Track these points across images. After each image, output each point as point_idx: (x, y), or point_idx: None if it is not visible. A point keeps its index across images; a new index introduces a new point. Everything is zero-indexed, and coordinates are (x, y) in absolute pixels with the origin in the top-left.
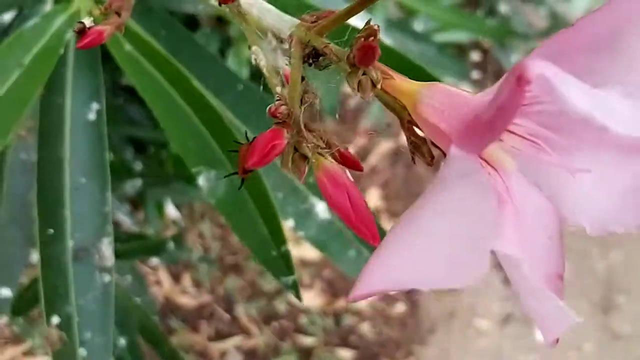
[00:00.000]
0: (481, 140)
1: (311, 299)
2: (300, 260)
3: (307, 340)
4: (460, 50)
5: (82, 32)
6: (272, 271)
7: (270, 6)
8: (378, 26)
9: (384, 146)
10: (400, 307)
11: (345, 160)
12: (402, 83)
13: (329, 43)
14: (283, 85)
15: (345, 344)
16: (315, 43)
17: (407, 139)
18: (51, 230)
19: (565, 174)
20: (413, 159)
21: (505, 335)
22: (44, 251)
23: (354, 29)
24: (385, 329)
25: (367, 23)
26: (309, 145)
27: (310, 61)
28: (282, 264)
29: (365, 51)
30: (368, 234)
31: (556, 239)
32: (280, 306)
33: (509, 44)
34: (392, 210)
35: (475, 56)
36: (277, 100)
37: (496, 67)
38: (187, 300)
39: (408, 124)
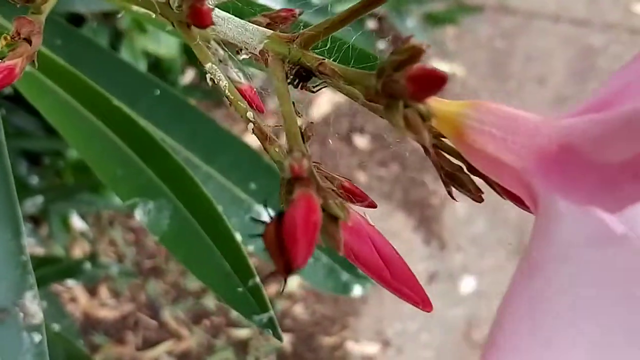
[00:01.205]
0: (621, 196)
1: None
2: None
3: (241, 333)
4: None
5: None
6: (240, 310)
7: (226, 14)
8: (427, 45)
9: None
10: None
11: (354, 197)
12: (436, 103)
13: (323, 59)
14: (253, 108)
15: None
16: (304, 60)
17: (438, 168)
18: None
19: None
20: (449, 192)
21: (432, 294)
22: None
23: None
24: (318, 307)
25: (407, 39)
26: (336, 201)
27: (296, 82)
28: (253, 301)
29: (425, 82)
30: (412, 296)
31: None
32: (209, 303)
33: (404, 9)
34: None
35: (371, 24)
36: (289, 151)
37: (393, 34)
38: (108, 312)
39: (435, 148)
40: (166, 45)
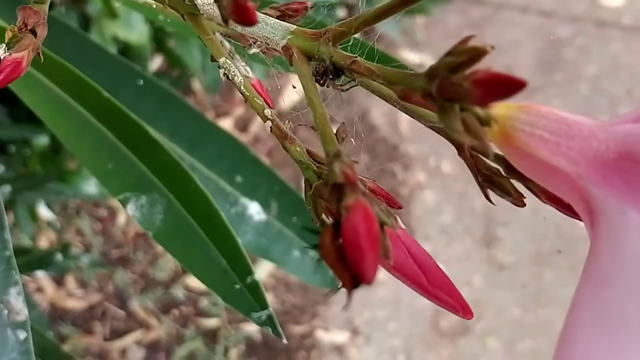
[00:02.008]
0: None
1: None
2: None
3: (210, 322)
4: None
5: None
6: (238, 307)
7: None
8: (492, 47)
9: (300, 135)
10: None
11: (381, 199)
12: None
13: (356, 57)
14: (269, 106)
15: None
16: (336, 58)
17: (474, 171)
18: None
19: None
20: (486, 195)
21: (401, 283)
22: None
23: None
24: (288, 296)
25: (465, 41)
26: (381, 207)
27: (323, 80)
28: (251, 299)
29: (499, 87)
30: (452, 303)
31: None
32: (178, 293)
33: None
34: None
35: (341, 13)
36: (336, 155)
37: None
38: (75, 302)
39: (471, 150)
40: (137, 31)
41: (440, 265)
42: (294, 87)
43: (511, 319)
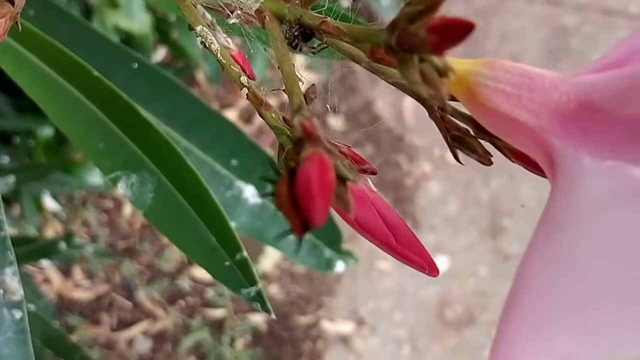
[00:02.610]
0: None
1: None
2: None
3: (216, 313)
4: None
5: None
6: (228, 284)
7: None
8: None
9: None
10: None
11: (353, 162)
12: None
13: (326, 17)
14: (245, 74)
15: (255, 309)
16: (305, 19)
17: (443, 131)
18: None
19: None
20: (455, 155)
21: (405, 274)
22: None
23: None
24: (293, 287)
25: None
26: (343, 162)
27: (295, 43)
28: (240, 275)
29: (451, 32)
30: (419, 261)
31: None
32: (184, 283)
33: None
34: None
35: (345, 2)
36: (297, 109)
37: (366, 12)
38: (82, 293)
39: (441, 112)
40: (139, 21)
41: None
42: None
43: None
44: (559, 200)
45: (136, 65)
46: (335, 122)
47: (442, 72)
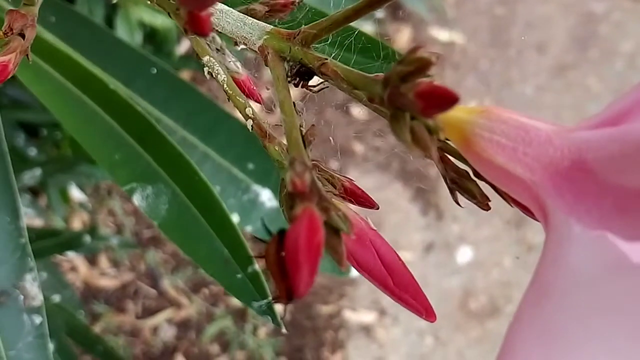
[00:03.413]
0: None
1: None
2: None
3: (239, 302)
4: None
5: None
6: (239, 296)
7: (224, 6)
8: (437, 57)
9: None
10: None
11: (356, 199)
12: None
13: (326, 59)
14: (257, 101)
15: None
16: (305, 60)
17: (443, 173)
18: None
19: None
20: (455, 198)
21: (428, 264)
22: None
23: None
24: (316, 277)
25: (414, 50)
26: (338, 213)
27: (296, 81)
28: (252, 288)
29: (436, 100)
30: (415, 305)
31: None
32: None
33: None
34: None
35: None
36: (291, 163)
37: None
38: (108, 281)
39: (440, 151)
40: (161, 16)
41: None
42: (267, 89)
43: None
44: (547, 263)
45: (155, 70)
46: (359, 111)
47: (433, 130)
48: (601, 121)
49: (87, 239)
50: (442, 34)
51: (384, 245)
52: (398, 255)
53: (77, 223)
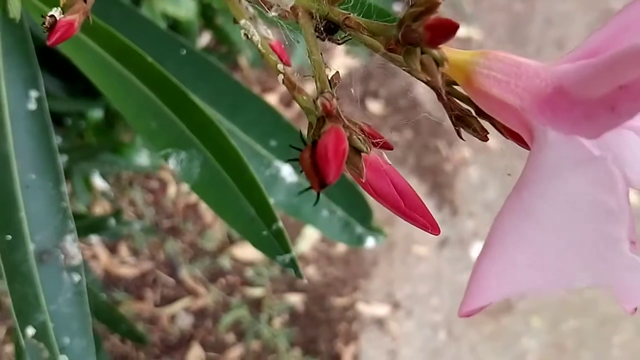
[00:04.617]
0: (599, 125)
1: (254, 251)
2: None
3: (255, 292)
4: None
5: (52, 26)
6: (265, 251)
7: None
8: None
9: (311, 87)
10: (342, 247)
11: (371, 138)
12: (449, 53)
13: (349, 14)
14: (282, 62)
15: (293, 289)
16: (331, 15)
17: (449, 111)
18: (9, 237)
19: (629, 134)
20: (458, 133)
21: (443, 259)
22: (6, 260)
23: None
24: (330, 269)
25: None
26: (359, 137)
27: (324, 36)
28: (276, 243)
29: (440, 30)
30: (423, 222)
31: (627, 204)
32: (225, 263)
33: None
34: None
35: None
36: (321, 92)
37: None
38: (128, 270)
39: (447, 95)
40: (185, 7)
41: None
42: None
43: (555, 298)
44: (528, 165)
45: (184, 51)
46: (375, 106)
47: (439, 61)
48: (575, 56)
49: (112, 222)
50: (459, 30)
51: (396, 175)
52: (408, 183)
53: (99, 210)
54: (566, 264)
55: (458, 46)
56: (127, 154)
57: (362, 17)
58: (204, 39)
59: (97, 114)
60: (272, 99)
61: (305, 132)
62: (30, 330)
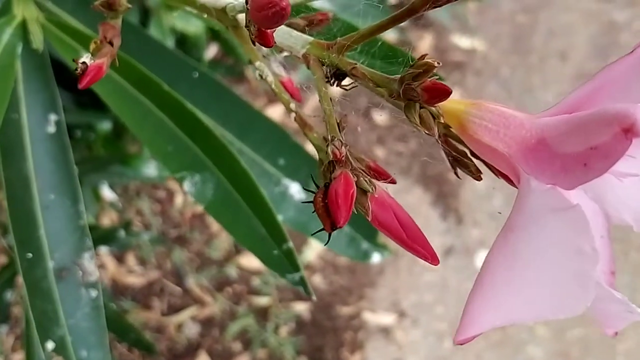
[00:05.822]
0: (574, 179)
1: None
2: None
3: (262, 301)
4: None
5: (84, 72)
6: (276, 270)
7: None
8: (438, 62)
9: (315, 100)
10: None
11: (377, 174)
12: (445, 102)
13: (356, 64)
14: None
15: (299, 298)
16: (340, 65)
17: (446, 153)
18: (30, 254)
19: (610, 177)
20: (455, 172)
21: (448, 268)
22: (26, 277)
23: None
24: (336, 278)
25: (423, 57)
26: (365, 179)
27: (332, 81)
28: (286, 262)
29: (436, 93)
30: (424, 253)
31: (606, 237)
32: (231, 272)
33: None
34: None
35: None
36: (332, 139)
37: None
38: (135, 279)
39: (444, 137)
40: (195, 23)
41: None
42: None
43: None
44: (515, 209)
45: (197, 74)
46: (380, 117)
47: (436, 115)
48: (558, 110)
49: (122, 234)
50: (463, 41)
51: (399, 208)
52: (410, 216)
53: (107, 221)
54: (547, 297)
55: (463, 57)
56: (135, 165)
57: (369, 57)
58: (211, 51)
59: (105, 126)
60: (278, 110)
61: (309, 146)
62: (50, 345)
